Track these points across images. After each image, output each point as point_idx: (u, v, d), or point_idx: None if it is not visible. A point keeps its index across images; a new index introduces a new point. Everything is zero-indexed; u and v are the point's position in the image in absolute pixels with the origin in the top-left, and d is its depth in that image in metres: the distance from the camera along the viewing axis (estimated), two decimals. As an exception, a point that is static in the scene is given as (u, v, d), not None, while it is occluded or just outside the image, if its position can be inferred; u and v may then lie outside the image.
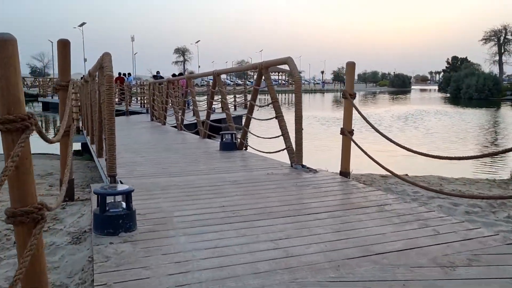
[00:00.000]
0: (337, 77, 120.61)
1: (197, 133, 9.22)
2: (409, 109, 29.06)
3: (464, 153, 11.41)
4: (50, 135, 16.23)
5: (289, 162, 5.12)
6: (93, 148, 7.08)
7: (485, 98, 43.84)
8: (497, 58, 63.20)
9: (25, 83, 48.86)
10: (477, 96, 45.08)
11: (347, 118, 4.48)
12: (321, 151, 11.23)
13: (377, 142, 10.94)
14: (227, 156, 6.01)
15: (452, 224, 2.80)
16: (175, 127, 10.91)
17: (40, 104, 31.04)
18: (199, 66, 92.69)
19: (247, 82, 31.70)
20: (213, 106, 9.80)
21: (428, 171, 7.09)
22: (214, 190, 3.84)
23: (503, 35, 63.02)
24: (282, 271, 2.13)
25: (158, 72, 23.37)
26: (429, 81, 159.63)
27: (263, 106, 6.67)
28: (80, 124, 11.77)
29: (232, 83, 65.48)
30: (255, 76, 6.03)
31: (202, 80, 47.26)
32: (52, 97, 29.20)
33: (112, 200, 2.77)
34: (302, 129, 4.83)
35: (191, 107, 12.40)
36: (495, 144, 13.53)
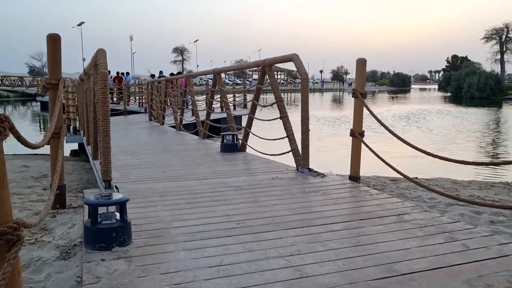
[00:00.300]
0: (336, 76, 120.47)
1: (196, 133, 8.94)
2: (410, 109, 28.81)
3: (475, 155, 11.15)
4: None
5: (293, 165, 4.85)
6: (89, 150, 6.80)
7: (486, 97, 43.60)
8: (498, 56, 62.96)
9: (24, 82, 48.71)
10: (479, 95, 44.83)
11: (358, 119, 4.21)
12: (323, 152, 10.96)
13: (378, 142, 10.69)
14: (229, 158, 5.73)
15: (482, 237, 2.52)
16: (173, 127, 10.64)
17: (39, 104, 30.76)
18: (197, 66, 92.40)
19: (246, 82, 31.40)
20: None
21: (434, 172, 6.84)
22: (216, 196, 3.57)
23: (505, 33, 62.80)
24: (297, 296, 1.86)
25: (161, 72, 23.02)
26: (428, 80, 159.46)
27: (267, 106, 6.38)
28: (77, 124, 11.52)
29: (231, 82, 65.10)
30: (254, 76, 5.75)
31: (200, 79, 46.86)
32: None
33: (105, 211, 2.50)
34: (309, 130, 4.56)
35: (190, 107, 12.14)
36: (504, 146, 13.25)
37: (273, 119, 5.35)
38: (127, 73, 25.77)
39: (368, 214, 3.02)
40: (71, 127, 11.94)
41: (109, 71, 24.85)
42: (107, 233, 2.41)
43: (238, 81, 71.74)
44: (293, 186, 3.93)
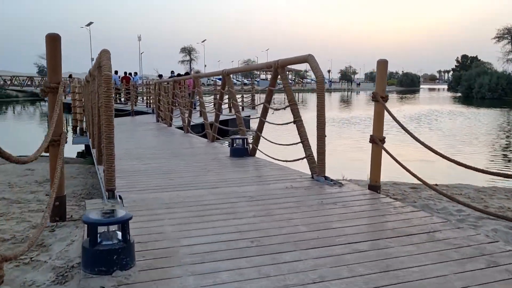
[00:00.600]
0: (344, 76, 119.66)
1: (204, 135, 8.69)
2: (421, 109, 28.36)
3: (492, 159, 10.77)
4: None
5: (307, 172, 4.58)
6: (94, 153, 6.59)
7: (498, 98, 42.92)
8: (510, 56, 62.01)
9: (33, 82, 48.80)
10: (490, 95, 44.15)
11: (378, 124, 3.93)
12: (334, 155, 10.65)
13: (388, 145, 10.35)
14: (239, 164, 5.47)
15: (529, 263, 2.24)
16: (181, 128, 10.41)
17: (47, 104, 30.70)
18: (205, 65, 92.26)
19: (254, 82, 31.09)
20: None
21: (450, 177, 6.54)
22: (227, 209, 3.31)
23: (517, 33, 61.83)
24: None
25: (172, 72, 22.79)
26: (437, 80, 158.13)
27: (279, 109, 6.10)
28: (84, 125, 11.35)
29: (239, 82, 64.80)
30: (261, 76, 5.47)
31: (208, 79, 46.65)
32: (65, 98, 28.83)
33: (105, 230, 2.25)
34: (325, 135, 4.29)
35: (197, 108, 11.89)
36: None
37: (287, 123, 5.08)
38: (135, 73, 25.65)
39: (394, 232, 2.75)
40: (78, 128, 11.79)
41: (116, 71, 24.79)
42: (108, 255, 2.16)
43: (245, 81, 71.35)
44: (309, 197, 3.66)
